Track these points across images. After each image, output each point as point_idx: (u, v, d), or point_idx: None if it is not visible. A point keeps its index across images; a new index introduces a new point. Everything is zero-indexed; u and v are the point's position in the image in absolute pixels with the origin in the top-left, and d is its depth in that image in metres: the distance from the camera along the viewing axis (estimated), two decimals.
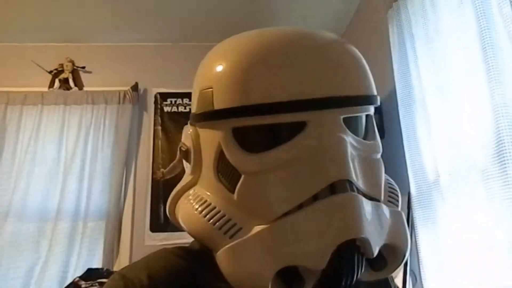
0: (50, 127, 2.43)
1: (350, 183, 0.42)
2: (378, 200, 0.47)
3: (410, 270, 1.49)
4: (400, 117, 1.55)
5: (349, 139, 0.44)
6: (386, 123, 1.85)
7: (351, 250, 0.41)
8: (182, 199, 0.51)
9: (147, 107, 2.59)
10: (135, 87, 2.54)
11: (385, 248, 0.45)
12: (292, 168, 0.43)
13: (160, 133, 2.53)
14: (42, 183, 2.34)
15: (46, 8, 2.31)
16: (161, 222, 2.36)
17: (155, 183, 2.43)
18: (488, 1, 1.10)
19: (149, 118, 2.57)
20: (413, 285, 1.50)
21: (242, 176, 0.44)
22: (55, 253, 2.22)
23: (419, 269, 1.41)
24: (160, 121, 2.55)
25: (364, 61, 0.50)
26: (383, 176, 0.50)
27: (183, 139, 0.54)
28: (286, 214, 0.43)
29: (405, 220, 0.49)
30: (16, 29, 2.49)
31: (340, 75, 0.46)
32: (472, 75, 1.15)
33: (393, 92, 1.63)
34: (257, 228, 0.43)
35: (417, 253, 1.41)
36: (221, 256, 0.43)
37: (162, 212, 2.37)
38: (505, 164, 0.97)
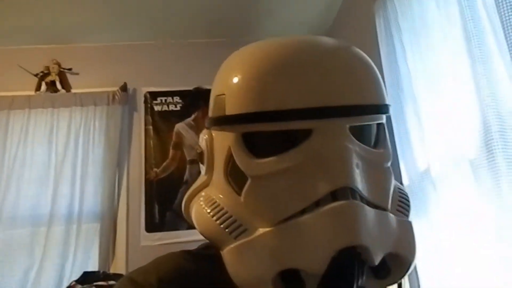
0: (38, 131, 2.40)
1: (353, 190, 0.43)
2: (385, 209, 0.47)
3: None
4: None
5: (355, 147, 0.45)
6: None
7: (350, 256, 0.41)
8: (195, 199, 0.53)
9: (137, 107, 2.57)
10: (124, 87, 2.52)
11: (390, 257, 0.46)
12: (296, 174, 0.44)
13: (151, 132, 2.51)
14: (33, 188, 2.31)
15: (30, 10, 2.27)
16: (156, 221, 2.35)
17: (148, 183, 2.42)
18: None
19: (139, 118, 2.55)
20: (408, 274, 1.52)
21: (249, 180, 0.46)
22: (50, 258, 2.20)
23: None
24: (151, 120, 2.53)
25: (375, 69, 0.50)
26: (391, 185, 0.50)
27: (199, 142, 0.55)
28: (289, 218, 0.44)
29: (413, 230, 0.49)
30: (0, 32, 2.45)
31: (349, 84, 0.47)
32: (458, 66, 1.17)
33: None
34: (261, 230, 0.44)
35: None
36: (226, 255, 0.45)
37: (157, 212, 2.36)
38: (493, 153, 0.99)
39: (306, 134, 0.45)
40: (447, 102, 1.24)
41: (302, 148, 0.45)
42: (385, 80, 1.59)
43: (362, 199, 0.44)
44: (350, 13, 2.32)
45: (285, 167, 0.45)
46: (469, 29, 1.09)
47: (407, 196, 0.52)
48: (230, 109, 0.48)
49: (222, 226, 0.46)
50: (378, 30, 1.67)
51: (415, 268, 1.42)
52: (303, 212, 0.43)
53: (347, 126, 0.45)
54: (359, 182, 0.44)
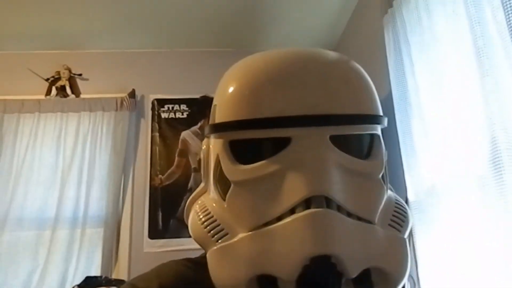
0: (47, 134, 2.43)
1: (328, 199, 0.42)
2: (370, 221, 0.45)
3: (409, 275, 1.49)
4: (396, 123, 1.55)
5: (337, 157, 0.45)
6: (383, 129, 1.85)
7: (322, 265, 0.40)
8: (192, 206, 0.54)
9: (145, 114, 2.60)
10: (132, 94, 2.55)
11: (376, 272, 0.44)
12: (274, 180, 0.45)
13: (157, 139, 2.53)
14: (40, 191, 2.34)
15: (42, 15, 2.31)
16: (160, 228, 2.35)
17: (153, 189, 2.43)
18: (482, 8, 1.11)
19: (146, 125, 2.57)
20: None
21: (232, 185, 0.47)
22: (54, 261, 2.22)
23: (417, 274, 1.41)
24: (157, 127, 2.55)
25: (367, 80, 0.50)
26: (381, 197, 0.48)
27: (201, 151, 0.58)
28: (266, 224, 0.44)
29: (406, 247, 0.46)
30: (12, 37, 2.50)
31: (331, 94, 0.46)
32: (467, 81, 1.16)
33: (390, 98, 1.64)
34: (240, 235, 0.45)
35: (415, 258, 1.42)
36: (208, 258, 0.46)
37: (161, 219, 2.37)
38: (500, 171, 0.98)
39: (286, 142, 0.45)
40: (455, 117, 1.23)
41: (281, 155, 0.45)
42: (393, 93, 1.59)
43: (341, 209, 0.43)
44: (359, 26, 2.32)
45: (264, 173, 0.45)
46: (478, 44, 1.09)
47: (405, 212, 0.50)
48: (219, 118, 0.50)
49: (205, 230, 0.47)
50: (386, 43, 1.67)
51: (419, 285, 1.40)
52: (279, 218, 0.44)
53: (327, 135, 0.45)
54: (337, 192, 0.43)
